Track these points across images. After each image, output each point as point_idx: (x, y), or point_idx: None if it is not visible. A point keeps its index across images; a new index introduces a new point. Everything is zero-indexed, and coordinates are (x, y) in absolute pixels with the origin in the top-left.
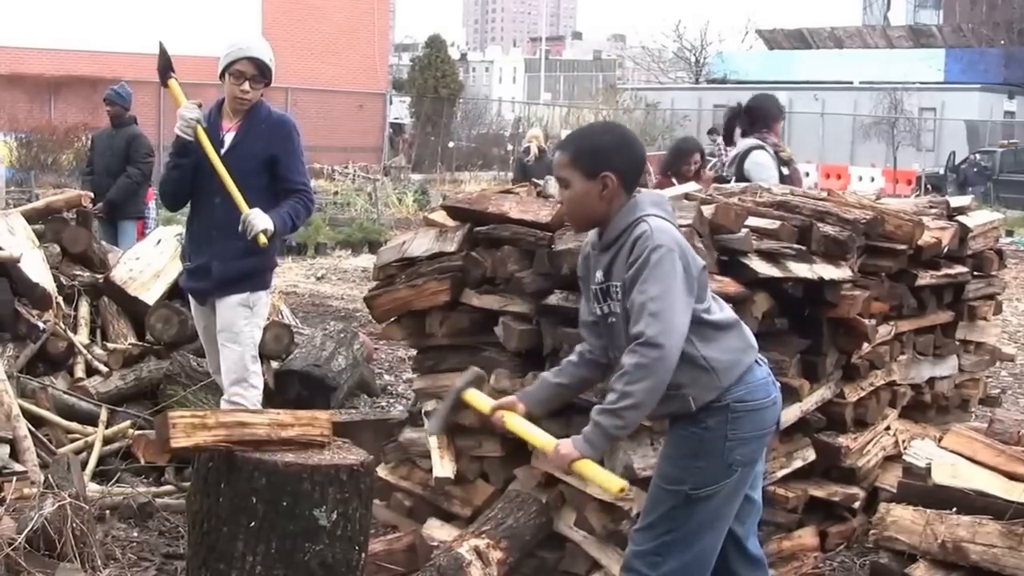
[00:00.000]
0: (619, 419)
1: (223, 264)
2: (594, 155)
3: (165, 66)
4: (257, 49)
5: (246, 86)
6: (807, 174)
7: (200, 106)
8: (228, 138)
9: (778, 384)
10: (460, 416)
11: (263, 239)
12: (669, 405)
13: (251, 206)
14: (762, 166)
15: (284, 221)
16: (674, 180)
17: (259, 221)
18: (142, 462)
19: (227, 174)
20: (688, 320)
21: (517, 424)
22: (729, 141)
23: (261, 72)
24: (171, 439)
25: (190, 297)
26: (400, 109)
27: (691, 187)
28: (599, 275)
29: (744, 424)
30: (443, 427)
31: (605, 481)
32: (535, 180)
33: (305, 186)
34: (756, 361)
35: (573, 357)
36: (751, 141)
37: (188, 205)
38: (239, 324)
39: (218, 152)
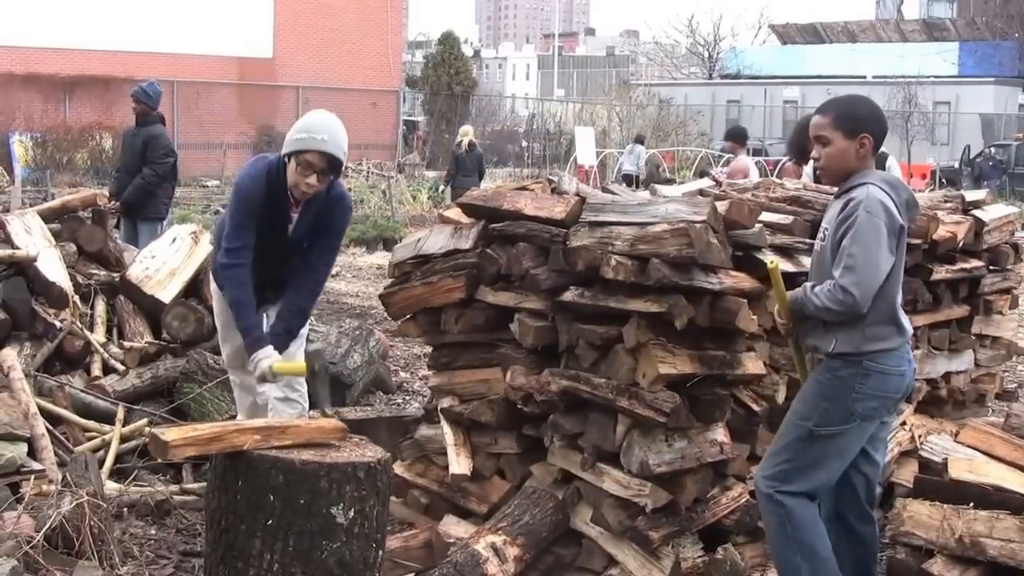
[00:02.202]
0: (806, 307)
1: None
2: (855, 119)
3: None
4: (332, 143)
5: (313, 180)
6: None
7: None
8: (294, 217)
9: (913, 361)
10: None
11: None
12: (814, 336)
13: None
14: (898, 170)
15: (297, 329)
16: (805, 169)
17: (261, 367)
18: (159, 460)
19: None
20: (882, 276)
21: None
22: (800, 158)
23: (332, 167)
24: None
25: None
26: (413, 106)
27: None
28: (827, 215)
29: (871, 382)
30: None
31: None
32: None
33: (329, 263)
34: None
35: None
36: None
37: None
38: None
39: (286, 229)
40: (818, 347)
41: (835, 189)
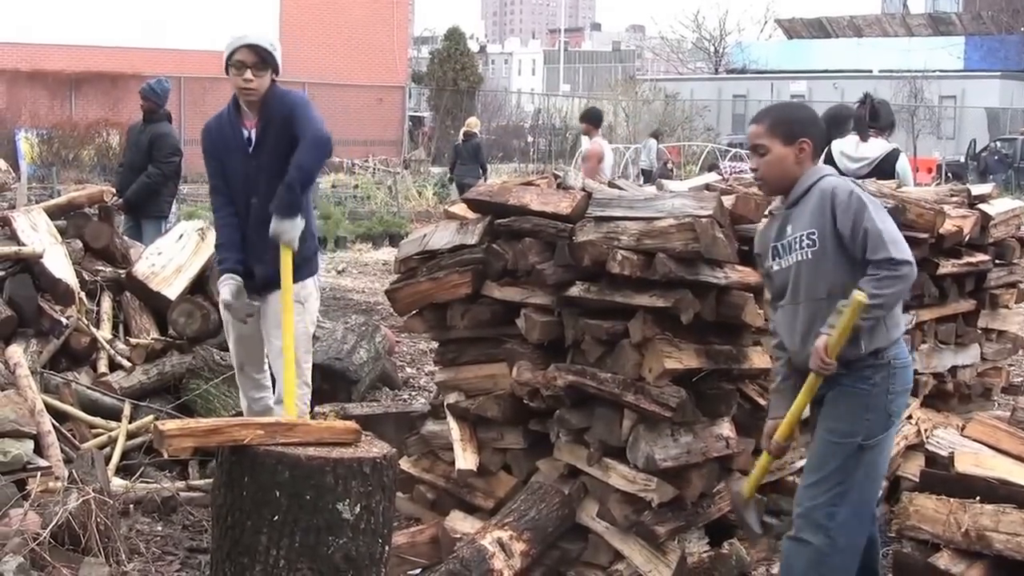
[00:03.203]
0: (867, 318)
1: (264, 266)
2: (791, 123)
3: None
4: (254, 36)
5: (248, 75)
6: None
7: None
8: (252, 135)
9: None
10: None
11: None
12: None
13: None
14: (909, 168)
15: (297, 197)
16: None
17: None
18: (165, 456)
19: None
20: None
21: (785, 421)
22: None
23: (263, 59)
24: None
25: (223, 288)
26: (419, 102)
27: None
28: (789, 228)
29: (899, 379)
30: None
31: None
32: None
33: (317, 131)
34: None
35: (778, 359)
36: (887, 143)
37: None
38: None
39: (246, 150)
40: (846, 357)
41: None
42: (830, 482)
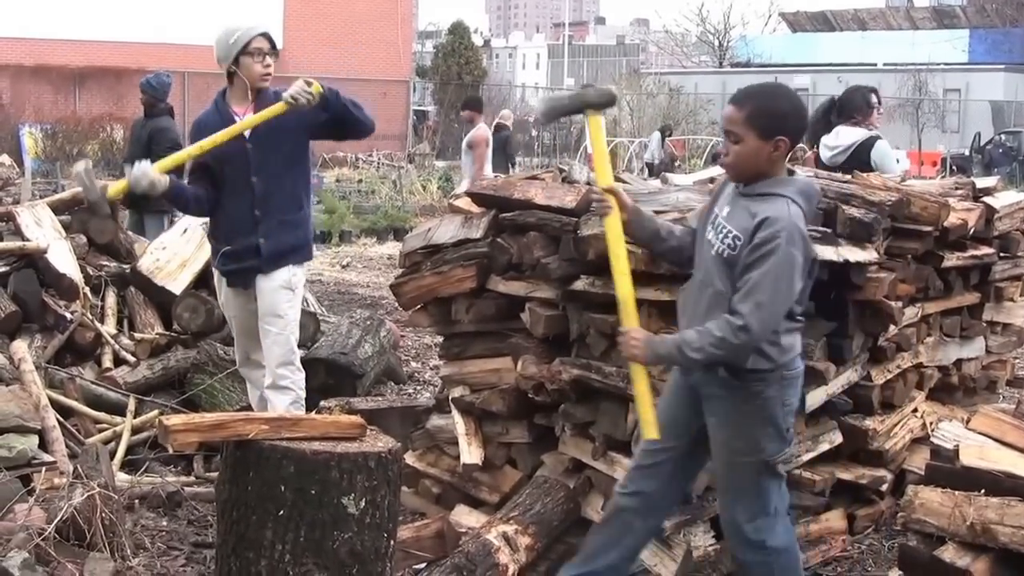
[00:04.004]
0: (686, 360)
1: (271, 241)
2: (773, 118)
3: (94, 194)
4: (264, 24)
5: (268, 60)
6: None
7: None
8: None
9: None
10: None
11: (316, 86)
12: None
13: (283, 176)
14: (888, 155)
15: (336, 95)
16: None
17: (294, 87)
18: (170, 451)
19: (249, 120)
20: (783, 314)
21: (616, 239)
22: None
23: (273, 45)
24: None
25: (222, 283)
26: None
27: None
28: (726, 210)
29: (791, 391)
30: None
31: (646, 417)
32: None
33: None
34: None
35: (677, 226)
36: (865, 131)
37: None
38: (282, 307)
39: (241, 135)
40: (729, 367)
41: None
42: (744, 501)
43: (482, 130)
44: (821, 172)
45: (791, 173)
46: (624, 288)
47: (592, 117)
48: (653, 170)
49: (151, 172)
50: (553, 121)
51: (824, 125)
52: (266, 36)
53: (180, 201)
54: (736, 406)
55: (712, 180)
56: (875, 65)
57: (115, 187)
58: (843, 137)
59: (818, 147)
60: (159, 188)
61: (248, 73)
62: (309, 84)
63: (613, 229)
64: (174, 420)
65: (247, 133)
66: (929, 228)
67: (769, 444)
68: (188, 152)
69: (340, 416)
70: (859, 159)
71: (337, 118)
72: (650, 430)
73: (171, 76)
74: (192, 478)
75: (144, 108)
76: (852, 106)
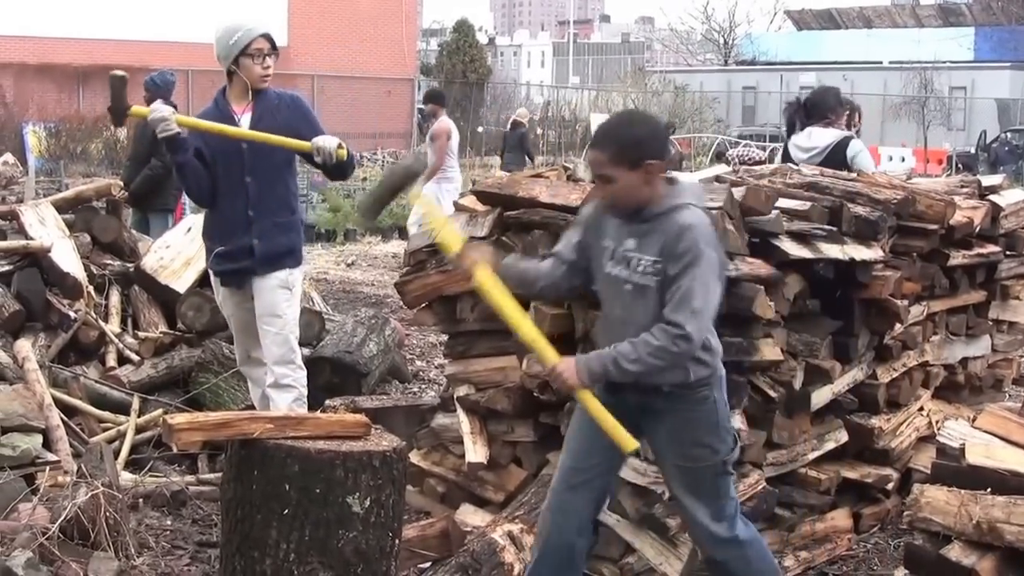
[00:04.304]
0: (623, 373)
1: (264, 242)
2: (635, 148)
3: (120, 102)
4: (264, 24)
5: (268, 62)
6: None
7: (166, 102)
8: (245, 120)
9: None
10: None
11: (342, 152)
12: (672, 375)
13: (277, 179)
14: (864, 154)
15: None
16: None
17: (330, 141)
18: (175, 450)
19: (258, 133)
20: (714, 317)
21: (492, 289)
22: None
23: (273, 46)
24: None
25: (217, 283)
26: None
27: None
28: (631, 243)
29: (723, 389)
30: (370, 214)
31: (614, 431)
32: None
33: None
34: None
35: (543, 262)
36: (838, 132)
37: None
38: (281, 306)
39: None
40: (672, 383)
41: None
42: (707, 503)
43: (444, 123)
44: (827, 171)
45: (671, 182)
46: (526, 331)
47: (413, 194)
48: None
49: (172, 116)
50: (377, 215)
51: (793, 126)
52: (266, 37)
53: (186, 169)
54: (685, 416)
55: (718, 178)
56: (881, 63)
57: (139, 109)
58: (817, 139)
59: (787, 148)
60: (172, 130)
61: (248, 74)
62: (340, 147)
63: (486, 284)
64: (178, 419)
65: (242, 121)
66: (935, 226)
67: (722, 445)
68: (196, 122)
69: (344, 415)
70: (835, 160)
71: (329, 166)
72: (627, 443)
73: (175, 74)
74: (196, 477)
75: (147, 105)
76: (824, 107)
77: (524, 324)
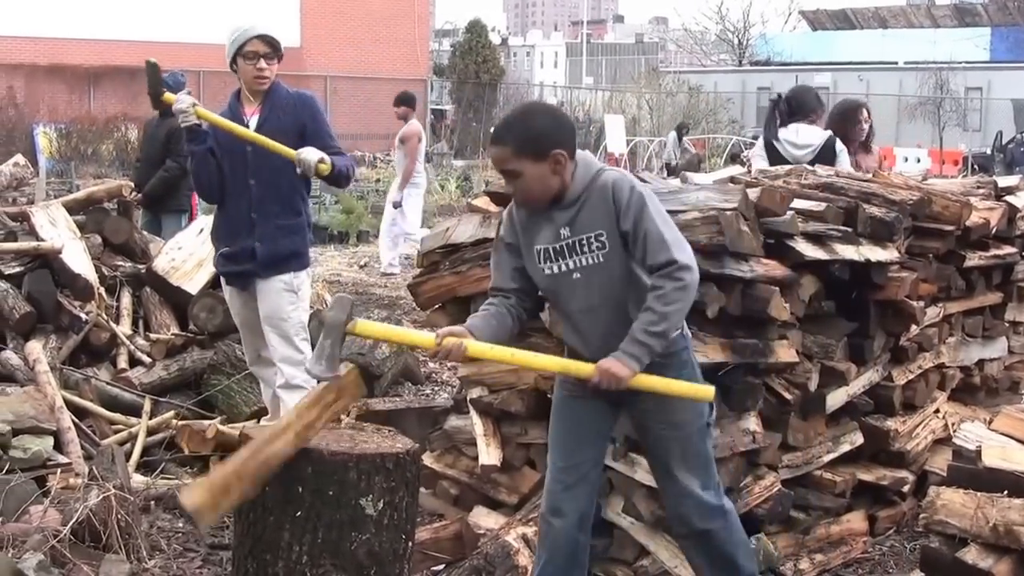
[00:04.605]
0: (662, 339)
1: (266, 245)
2: (539, 139)
3: (155, 87)
4: (262, 26)
5: (262, 64)
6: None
7: (189, 93)
8: (253, 121)
9: None
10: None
11: (324, 167)
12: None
13: (280, 182)
14: (845, 154)
15: (335, 162)
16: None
17: (312, 155)
18: (186, 452)
19: (257, 135)
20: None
21: (490, 350)
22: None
23: (273, 48)
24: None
25: (224, 283)
26: (441, 95)
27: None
28: (564, 231)
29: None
30: (333, 368)
31: (691, 390)
32: None
33: (343, 151)
34: None
35: (497, 308)
36: (822, 131)
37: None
38: (285, 310)
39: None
40: (665, 351)
41: None
42: (700, 469)
43: (414, 126)
44: (841, 171)
45: (579, 164)
46: (549, 364)
47: (356, 327)
48: (672, 170)
49: (192, 107)
50: (338, 365)
51: (775, 122)
52: (264, 39)
53: (201, 160)
54: (668, 377)
55: (733, 179)
56: (896, 63)
57: (169, 96)
58: (805, 136)
59: (772, 143)
60: (190, 121)
61: (242, 75)
62: (323, 162)
63: (480, 351)
64: (193, 496)
65: (251, 122)
66: (951, 227)
67: (703, 405)
68: (211, 116)
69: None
70: (825, 159)
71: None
72: (703, 392)
73: (185, 75)
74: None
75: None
76: (808, 106)
77: (541, 360)
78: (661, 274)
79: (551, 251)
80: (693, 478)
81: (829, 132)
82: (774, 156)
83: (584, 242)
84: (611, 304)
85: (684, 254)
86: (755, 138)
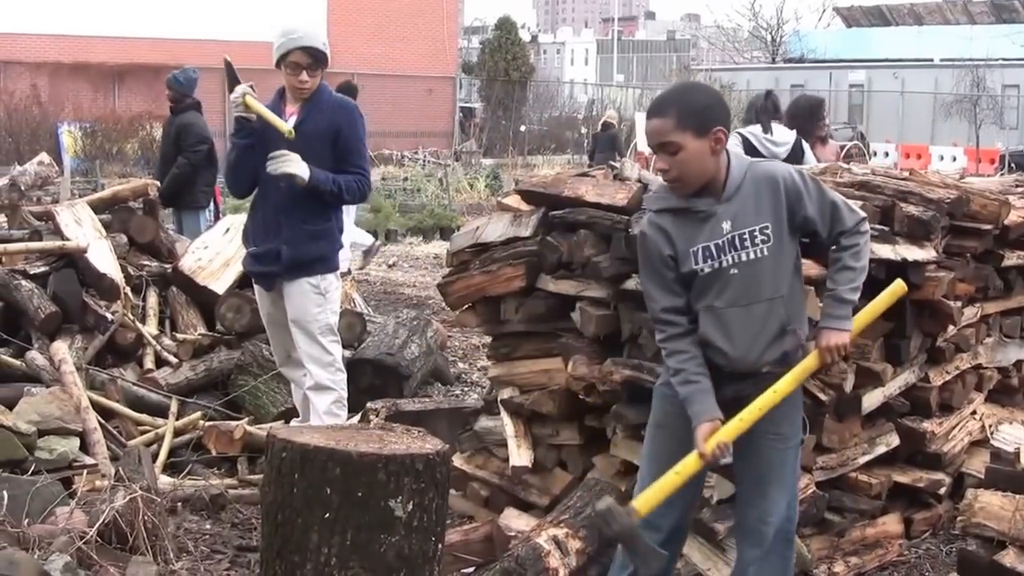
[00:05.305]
0: (858, 290)
1: (292, 248)
2: (703, 113)
3: (234, 82)
4: (309, 37)
5: (304, 76)
6: (887, 154)
7: (252, 87)
8: (292, 121)
9: None
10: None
11: (299, 181)
12: (783, 343)
13: (309, 189)
14: (810, 153)
15: (329, 180)
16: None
17: (288, 165)
18: (213, 453)
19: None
20: None
21: (740, 421)
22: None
23: (316, 59)
24: None
25: (254, 282)
26: (470, 93)
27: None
28: (726, 225)
29: None
30: (659, 555)
31: (885, 302)
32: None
33: (364, 170)
34: None
35: (686, 355)
36: (790, 130)
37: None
38: (312, 312)
39: (282, 136)
40: (788, 351)
41: None
42: (788, 491)
43: None
44: (878, 168)
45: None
46: (792, 383)
47: (636, 514)
48: None
49: (241, 98)
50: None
51: (767, 119)
52: (306, 51)
53: (239, 153)
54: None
55: None
56: (931, 60)
57: (252, 102)
58: (783, 135)
59: (750, 140)
60: (240, 109)
61: (285, 82)
62: (295, 177)
63: (738, 431)
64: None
65: (289, 133)
66: (989, 226)
67: (802, 424)
68: (258, 108)
69: None
70: (794, 154)
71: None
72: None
73: (198, 72)
74: (236, 480)
75: (171, 104)
76: (779, 108)
77: (786, 384)
78: (852, 231)
79: (712, 248)
80: (780, 500)
81: (795, 132)
82: (750, 150)
83: (747, 236)
84: (765, 298)
85: (861, 212)
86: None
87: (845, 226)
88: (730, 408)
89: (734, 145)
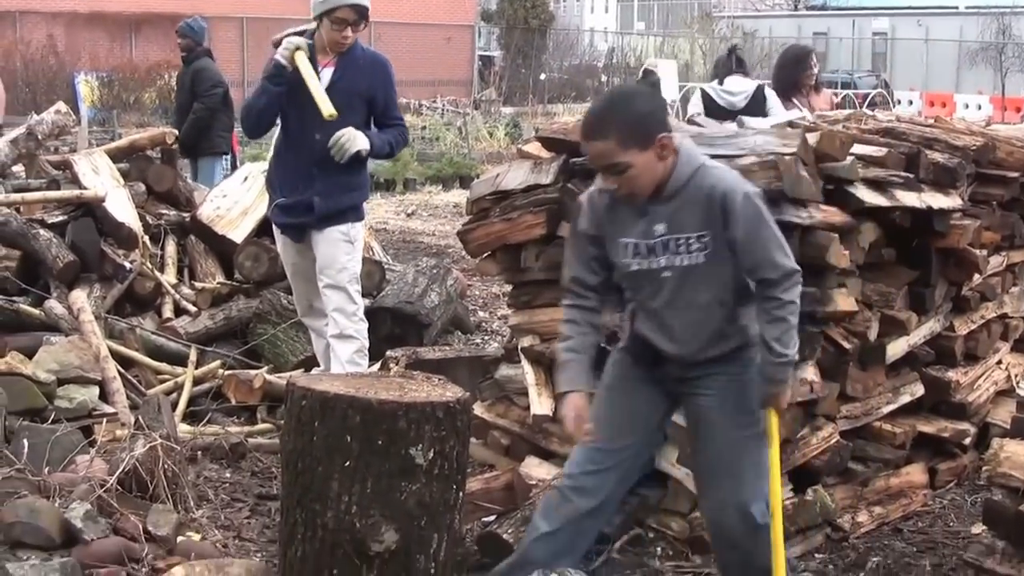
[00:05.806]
0: (791, 348)
1: (325, 200)
2: (643, 124)
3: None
4: None
5: (348, 32)
6: (911, 102)
7: (303, 33)
8: (326, 74)
9: None
10: None
11: (348, 153)
12: (730, 341)
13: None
14: (777, 100)
15: (384, 142)
16: (795, 100)
17: (353, 145)
18: (233, 402)
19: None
20: None
21: None
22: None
23: (361, 15)
24: None
25: (278, 233)
26: (489, 41)
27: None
28: (660, 227)
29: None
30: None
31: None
32: None
33: (402, 120)
34: None
35: (580, 327)
36: (752, 80)
37: (278, 138)
38: (341, 259)
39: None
40: (736, 346)
41: None
42: (750, 481)
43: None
44: (903, 115)
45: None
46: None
47: None
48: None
49: (292, 49)
50: None
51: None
52: (355, 8)
53: (267, 100)
54: (740, 380)
55: (791, 124)
56: (956, 8)
57: (302, 61)
58: (739, 85)
59: (706, 91)
60: (283, 62)
61: (326, 36)
62: (358, 152)
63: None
64: None
65: (330, 116)
66: (1015, 174)
67: (760, 410)
68: (303, 67)
69: None
70: (756, 101)
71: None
72: None
73: (206, 20)
74: (257, 426)
75: (183, 53)
76: (747, 65)
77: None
78: (777, 282)
79: (642, 247)
80: (744, 489)
81: (759, 82)
82: (709, 104)
83: (683, 241)
84: (702, 303)
85: (791, 259)
86: None
87: (767, 274)
88: (676, 385)
89: (695, 105)
